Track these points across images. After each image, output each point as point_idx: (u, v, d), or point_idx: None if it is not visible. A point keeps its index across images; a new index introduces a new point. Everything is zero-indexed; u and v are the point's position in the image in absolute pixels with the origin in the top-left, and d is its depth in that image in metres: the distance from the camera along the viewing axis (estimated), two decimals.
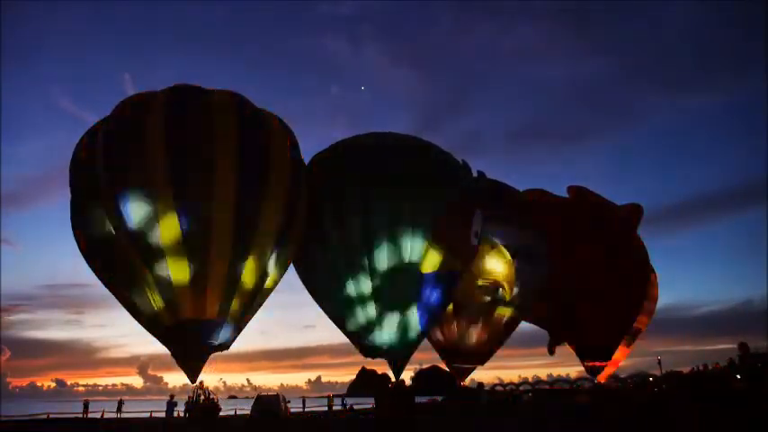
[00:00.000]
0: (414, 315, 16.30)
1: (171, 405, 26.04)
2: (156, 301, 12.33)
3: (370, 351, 16.77)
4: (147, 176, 11.73)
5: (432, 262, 15.95)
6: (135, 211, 11.75)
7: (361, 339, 16.61)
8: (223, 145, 12.28)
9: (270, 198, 12.88)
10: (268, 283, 13.96)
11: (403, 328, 16.23)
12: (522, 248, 20.53)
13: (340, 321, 17.04)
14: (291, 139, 14.62)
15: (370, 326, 16.11)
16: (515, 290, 20.50)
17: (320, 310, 17.88)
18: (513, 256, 20.23)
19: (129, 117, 12.59)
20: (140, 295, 12.51)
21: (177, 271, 11.99)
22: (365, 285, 15.71)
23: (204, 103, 12.95)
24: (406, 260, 15.54)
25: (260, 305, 14.40)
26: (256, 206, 12.63)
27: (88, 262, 13.35)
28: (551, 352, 26.89)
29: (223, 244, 12.18)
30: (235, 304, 12.95)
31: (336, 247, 15.72)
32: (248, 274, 12.91)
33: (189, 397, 22.79)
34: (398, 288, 15.78)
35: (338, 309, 16.75)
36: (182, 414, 24.25)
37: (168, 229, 11.77)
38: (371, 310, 15.92)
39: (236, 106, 13.37)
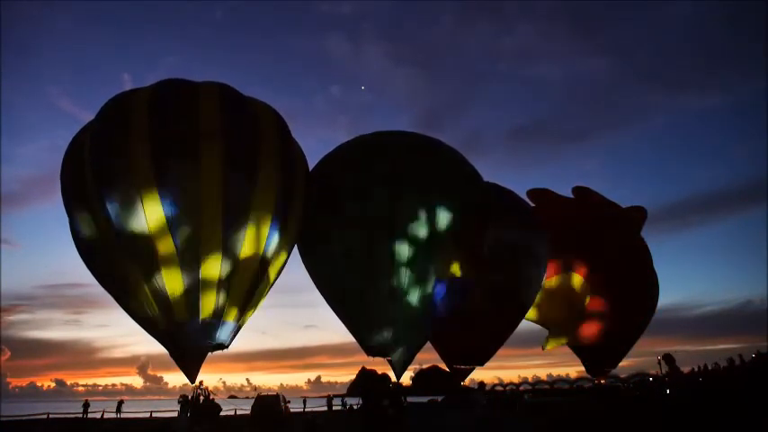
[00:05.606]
0: (425, 318, 16.07)
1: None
2: (150, 302, 12.18)
3: (373, 350, 16.51)
4: (132, 173, 11.53)
5: (450, 269, 15.69)
6: (120, 209, 11.58)
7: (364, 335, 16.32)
8: (208, 134, 12.06)
9: (260, 186, 12.55)
10: (266, 279, 13.73)
11: (411, 330, 16.02)
12: (522, 247, 20.47)
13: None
14: (281, 123, 14.18)
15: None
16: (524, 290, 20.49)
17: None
18: (513, 255, 20.17)
19: (115, 115, 12.43)
20: (134, 296, 12.36)
21: (169, 271, 11.81)
22: (383, 283, 15.22)
23: (189, 94, 12.74)
24: (427, 267, 15.14)
25: (258, 303, 14.15)
26: (246, 195, 12.32)
27: (86, 263, 13.26)
28: (545, 347, 26.91)
29: (213, 240, 11.96)
30: (231, 303, 12.78)
31: (356, 246, 15.03)
32: (244, 270, 12.65)
33: (182, 395, 22.76)
34: (414, 292, 15.43)
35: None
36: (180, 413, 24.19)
37: (156, 228, 11.58)
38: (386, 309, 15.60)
39: (221, 95, 13.13)
